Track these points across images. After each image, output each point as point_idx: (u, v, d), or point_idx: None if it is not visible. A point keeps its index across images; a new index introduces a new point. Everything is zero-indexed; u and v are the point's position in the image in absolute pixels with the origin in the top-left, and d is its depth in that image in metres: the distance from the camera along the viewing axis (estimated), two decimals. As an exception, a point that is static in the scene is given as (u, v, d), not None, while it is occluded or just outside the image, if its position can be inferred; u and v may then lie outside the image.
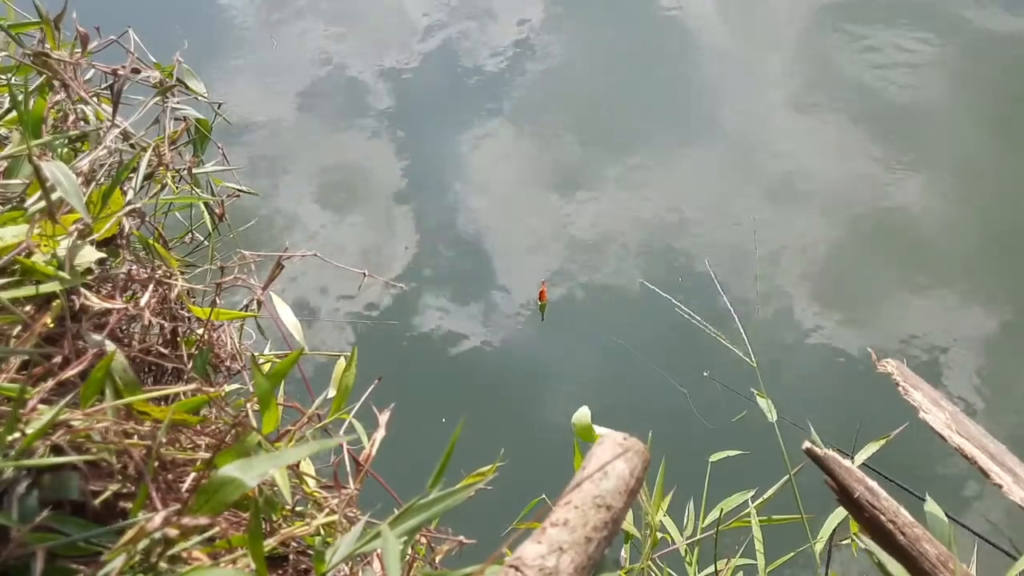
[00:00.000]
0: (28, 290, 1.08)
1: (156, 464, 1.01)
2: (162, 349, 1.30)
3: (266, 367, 1.48)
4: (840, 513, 2.03)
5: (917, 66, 6.35)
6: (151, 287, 1.28)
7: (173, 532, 0.88)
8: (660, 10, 6.86)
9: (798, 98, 6.24)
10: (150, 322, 1.26)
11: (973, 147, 5.84)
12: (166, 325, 1.32)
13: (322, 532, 1.18)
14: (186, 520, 0.88)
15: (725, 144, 5.97)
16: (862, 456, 1.97)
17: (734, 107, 6.20)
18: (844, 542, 2.08)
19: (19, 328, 1.07)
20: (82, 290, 1.14)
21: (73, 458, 0.95)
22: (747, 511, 2.12)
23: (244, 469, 0.90)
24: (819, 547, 2.02)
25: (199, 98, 1.77)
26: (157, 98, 1.66)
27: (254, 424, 1.17)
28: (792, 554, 2.13)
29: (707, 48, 6.62)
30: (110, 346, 1.09)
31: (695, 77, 6.44)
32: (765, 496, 2.15)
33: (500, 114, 6.21)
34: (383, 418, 1.25)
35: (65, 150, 1.45)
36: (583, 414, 1.65)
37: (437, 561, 1.32)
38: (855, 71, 6.36)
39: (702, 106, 6.24)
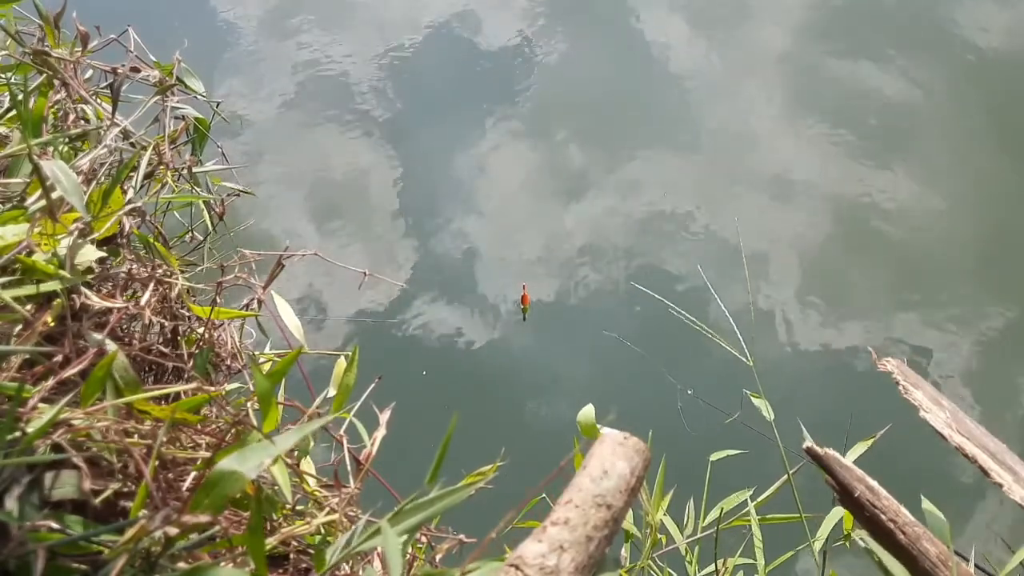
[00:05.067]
0: (29, 289, 1.08)
1: (156, 463, 1.01)
2: (163, 348, 1.30)
3: (266, 366, 1.48)
4: (837, 513, 2.03)
5: (909, 69, 6.35)
6: (151, 286, 1.28)
7: (173, 531, 0.88)
8: (648, 27, 6.86)
9: (793, 104, 6.24)
10: (151, 321, 1.26)
11: (967, 148, 5.85)
12: (166, 324, 1.32)
13: (322, 531, 1.18)
14: (187, 518, 0.87)
15: (718, 149, 5.98)
16: (851, 456, 1.97)
17: (726, 114, 6.20)
18: (838, 543, 2.07)
19: (20, 327, 1.07)
20: (83, 289, 1.14)
21: (74, 456, 0.95)
22: (746, 510, 2.12)
23: (241, 460, 0.91)
24: (818, 546, 2.02)
25: (198, 97, 1.77)
26: (157, 97, 1.66)
27: (254, 423, 1.17)
28: (791, 553, 2.13)
29: (697, 59, 6.63)
30: (111, 345, 1.08)
31: (688, 84, 6.45)
32: (764, 495, 2.15)
33: (496, 119, 6.21)
34: (384, 417, 1.25)
35: (65, 149, 1.45)
36: (588, 412, 1.68)
37: (437, 559, 1.32)
38: (847, 75, 6.36)
39: (694, 114, 6.24)
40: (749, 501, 2.12)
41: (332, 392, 1.39)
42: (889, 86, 6.23)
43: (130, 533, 0.87)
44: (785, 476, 2.02)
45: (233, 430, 1.13)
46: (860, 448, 2.03)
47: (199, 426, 1.15)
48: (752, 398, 2.13)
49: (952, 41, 6.51)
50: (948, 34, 6.57)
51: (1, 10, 1.58)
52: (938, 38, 6.55)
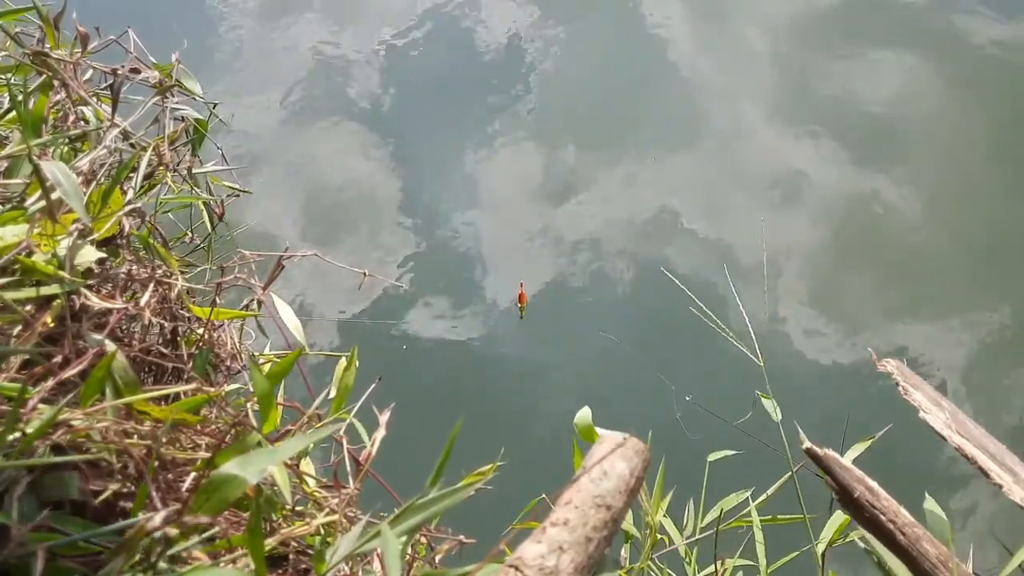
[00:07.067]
0: (29, 292, 1.08)
1: (156, 464, 1.01)
2: (162, 349, 1.30)
3: (266, 367, 1.48)
4: (840, 516, 2.03)
5: (906, 75, 6.35)
6: (151, 287, 1.28)
7: (173, 532, 0.88)
8: (647, 25, 6.85)
9: (790, 107, 6.24)
10: (150, 322, 1.26)
11: (965, 153, 5.84)
12: (166, 325, 1.32)
13: (322, 532, 1.18)
14: (187, 519, 0.87)
15: (716, 151, 5.98)
16: (849, 457, 1.96)
17: (725, 116, 6.20)
18: (837, 545, 2.07)
19: (20, 327, 1.07)
20: (82, 290, 1.14)
21: (73, 457, 0.95)
22: (746, 510, 2.12)
23: (243, 466, 0.91)
24: (820, 547, 2.02)
25: (196, 98, 1.77)
26: (156, 98, 1.66)
27: (254, 424, 1.17)
28: (795, 554, 2.12)
29: (695, 59, 6.62)
30: (110, 346, 1.08)
31: (686, 86, 6.44)
32: (766, 495, 2.15)
33: (495, 117, 6.21)
34: (383, 417, 1.24)
35: (65, 150, 1.45)
36: (585, 415, 1.64)
37: (437, 560, 1.31)
38: (846, 79, 6.36)
39: (692, 115, 6.23)
40: (750, 500, 2.12)
41: (332, 392, 1.39)
42: (892, 88, 6.23)
43: (130, 534, 0.87)
44: (786, 475, 2.02)
45: (233, 431, 1.13)
46: (858, 449, 2.03)
47: (199, 427, 1.15)
48: (763, 398, 2.12)
49: (951, 44, 6.52)
50: (947, 36, 6.57)
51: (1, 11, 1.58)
52: (937, 40, 6.56)
